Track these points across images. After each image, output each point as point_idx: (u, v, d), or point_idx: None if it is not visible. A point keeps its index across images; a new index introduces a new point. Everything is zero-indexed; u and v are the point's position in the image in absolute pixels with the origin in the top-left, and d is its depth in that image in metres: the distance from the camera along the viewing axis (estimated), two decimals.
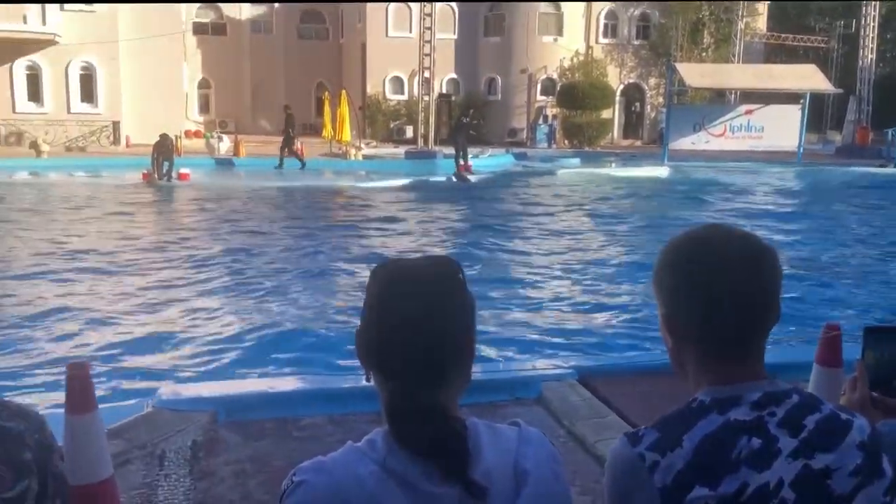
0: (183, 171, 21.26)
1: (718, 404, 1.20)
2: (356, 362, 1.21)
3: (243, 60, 38.09)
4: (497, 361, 6.17)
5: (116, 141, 31.13)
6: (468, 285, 1.21)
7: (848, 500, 1.15)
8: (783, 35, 38.82)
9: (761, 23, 40.18)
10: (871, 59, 35.06)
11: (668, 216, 15.71)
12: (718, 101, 35.41)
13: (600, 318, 8.25)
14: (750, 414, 1.19)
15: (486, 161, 27.37)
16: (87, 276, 9.82)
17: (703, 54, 38.33)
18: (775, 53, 40.74)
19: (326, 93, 30.90)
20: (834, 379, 3.90)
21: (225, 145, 29.01)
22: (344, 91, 28.95)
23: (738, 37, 37.32)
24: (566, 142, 36.44)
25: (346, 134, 28.08)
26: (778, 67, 31.82)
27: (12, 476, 1.25)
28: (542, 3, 36.51)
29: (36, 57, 30.31)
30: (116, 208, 16.36)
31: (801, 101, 28.52)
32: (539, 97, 37.33)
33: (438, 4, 31.15)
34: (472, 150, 25.40)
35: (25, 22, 28.64)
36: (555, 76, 37.16)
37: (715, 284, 1.21)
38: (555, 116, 36.77)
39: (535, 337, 7.47)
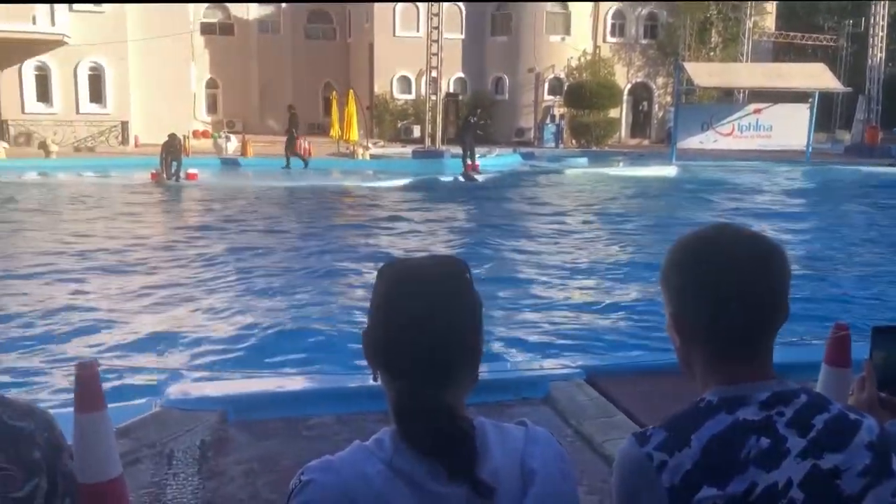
0: (191, 171, 21.34)
1: (727, 404, 1.20)
2: (364, 362, 1.22)
3: (251, 60, 38.17)
4: (504, 361, 6.17)
5: (125, 141, 31.24)
6: (475, 285, 1.22)
7: (857, 501, 1.15)
8: (792, 34, 38.67)
9: (770, 22, 40.05)
10: (881, 57, 34.91)
11: (675, 216, 15.67)
12: (727, 100, 35.30)
13: (608, 317, 8.24)
14: (758, 414, 1.18)
15: (493, 160, 27.37)
16: (96, 275, 9.86)
17: (711, 53, 38.23)
18: (784, 52, 40.61)
19: (334, 92, 30.93)
20: (842, 379, 3.88)
21: (232, 145, 29.11)
22: (351, 91, 28.98)
23: (747, 36, 37.18)
24: (573, 141, 36.40)
25: (354, 133, 28.12)
26: (786, 66, 31.71)
27: (22, 475, 1.25)
28: (550, 3, 36.47)
29: (45, 57, 30.43)
30: (125, 208, 16.43)
31: (810, 100, 28.41)
32: (546, 97, 37.30)
33: (446, 4, 31.12)
34: (479, 150, 25.40)
35: (34, 23, 28.76)
36: (562, 75, 37.12)
37: (722, 284, 1.21)
38: (562, 116, 36.73)
39: (543, 336, 7.47)
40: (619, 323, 8.01)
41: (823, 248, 12.39)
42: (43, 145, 27.14)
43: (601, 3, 37.84)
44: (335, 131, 28.62)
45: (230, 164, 26.43)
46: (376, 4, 35.50)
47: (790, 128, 28.15)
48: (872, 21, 34.54)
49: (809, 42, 39.15)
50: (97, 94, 31.49)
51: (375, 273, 1.23)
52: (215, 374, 5.96)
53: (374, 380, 1.21)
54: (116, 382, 5.56)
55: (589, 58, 37.47)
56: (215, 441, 4.27)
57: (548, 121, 36.70)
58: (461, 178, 22.54)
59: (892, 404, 1.35)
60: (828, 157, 30.29)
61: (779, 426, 1.17)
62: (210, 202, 17.93)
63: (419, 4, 34.25)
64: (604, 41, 38.36)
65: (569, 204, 17.90)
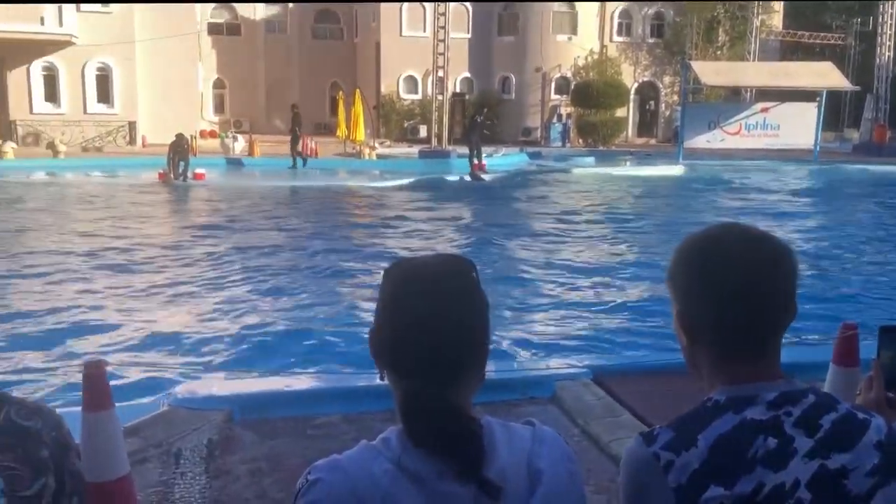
0: (198, 170, 21.42)
1: (734, 404, 1.19)
2: (370, 361, 1.22)
3: (258, 60, 38.23)
4: (511, 360, 6.16)
5: (132, 141, 31.35)
6: (482, 284, 1.21)
7: (865, 501, 1.15)
8: (799, 32, 38.55)
9: (777, 20, 39.94)
10: (889, 56, 34.77)
11: (683, 215, 15.64)
12: (734, 99, 35.23)
13: (614, 317, 8.22)
14: (766, 413, 1.18)
15: (500, 160, 27.36)
16: (104, 274, 9.89)
17: (718, 52, 38.16)
18: (791, 51, 40.50)
19: (341, 92, 30.99)
20: (850, 378, 3.87)
21: (240, 145, 29.18)
22: (358, 90, 29.02)
23: (754, 34, 37.10)
24: (580, 140, 36.37)
25: (361, 133, 28.16)
26: (794, 65, 31.61)
27: (30, 474, 1.26)
28: (557, 3, 36.46)
29: (53, 58, 30.54)
30: (133, 208, 16.48)
31: (818, 98, 28.30)
32: (553, 96, 37.28)
33: (452, 4, 31.12)
34: (486, 150, 25.40)
35: (42, 23, 28.88)
36: (569, 75, 37.10)
37: (729, 284, 1.20)
38: (569, 115, 36.70)
39: (550, 336, 7.46)
40: (625, 322, 7.99)
41: (831, 248, 12.35)
42: (51, 145, 27.25)
43: (608, 3, 37.80)
44: (342, 131, 28.67)
45: (237, 164, 26.50)
46: (383, 4, 35.52)
47: (798, 127, 28.04)
48: (881, 20, 34.42)
49: (817, 41, 39.02)
50: (105, 95, 31.60)
51: (382, 272, 1.23)
52: (222, 374, 5.98)
53: (381, 379, 1.21)
54: (124, 381, 5.58)
55: (596, 57, 37.45)
56: (222, 440, 4.28)
57: (554, 120, 36.68)
58: (468, 178, 22.53)
59: None
60: (836, 156, 30.19)
61: (786, 426, 1.17)
62: (217, 202, 17.97)
63: (426, 4, 34.26)
64: (610, 40, 38.32)
65: (575, 203, 17.88)
